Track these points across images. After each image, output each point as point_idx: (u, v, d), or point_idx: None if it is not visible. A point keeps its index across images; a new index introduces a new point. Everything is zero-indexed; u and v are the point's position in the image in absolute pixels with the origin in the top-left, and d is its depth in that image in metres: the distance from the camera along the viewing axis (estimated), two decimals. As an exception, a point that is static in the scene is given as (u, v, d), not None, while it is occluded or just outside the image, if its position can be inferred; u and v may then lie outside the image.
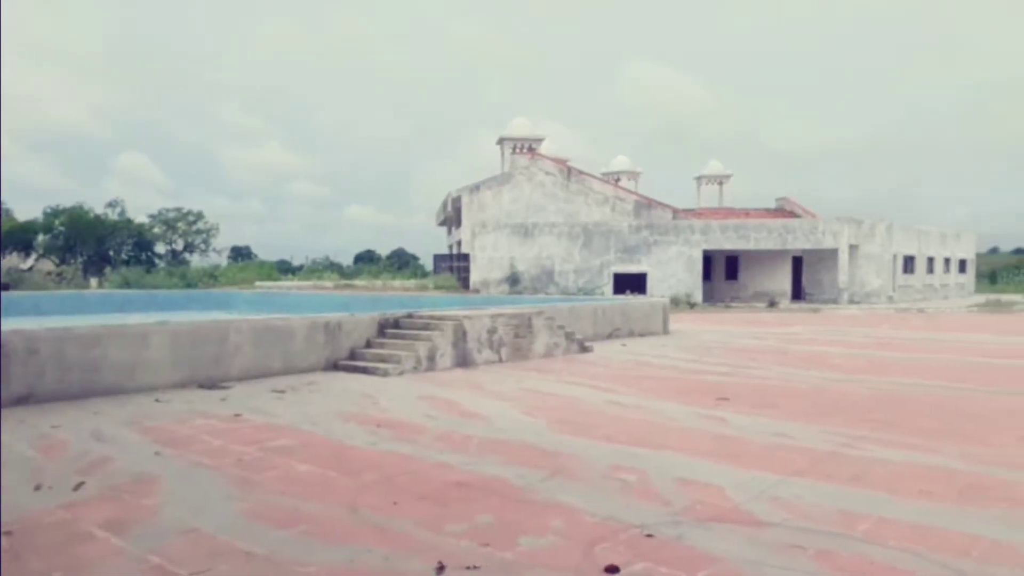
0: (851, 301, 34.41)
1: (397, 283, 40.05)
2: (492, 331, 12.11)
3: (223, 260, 65.87)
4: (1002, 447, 6.30)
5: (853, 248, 34.85)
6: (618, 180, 49.61)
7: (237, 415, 7.47)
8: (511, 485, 5.05)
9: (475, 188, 41.31)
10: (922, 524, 4.29)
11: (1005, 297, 39.94)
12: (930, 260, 40.70)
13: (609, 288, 34.53)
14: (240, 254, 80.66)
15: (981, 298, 39.33)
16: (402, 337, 11.63)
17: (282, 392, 8.91)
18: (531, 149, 44.34)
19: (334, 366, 10.94)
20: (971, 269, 46.87)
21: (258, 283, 39.68)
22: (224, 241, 72.19)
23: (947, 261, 42.70)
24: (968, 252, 45.90)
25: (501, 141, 45.90)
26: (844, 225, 34.40)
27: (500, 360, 12.14)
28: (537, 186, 41.07)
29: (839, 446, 6.28)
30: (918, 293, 39.08)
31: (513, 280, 35.47)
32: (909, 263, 38.73)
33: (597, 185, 41.99)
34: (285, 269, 63.04)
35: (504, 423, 7.21)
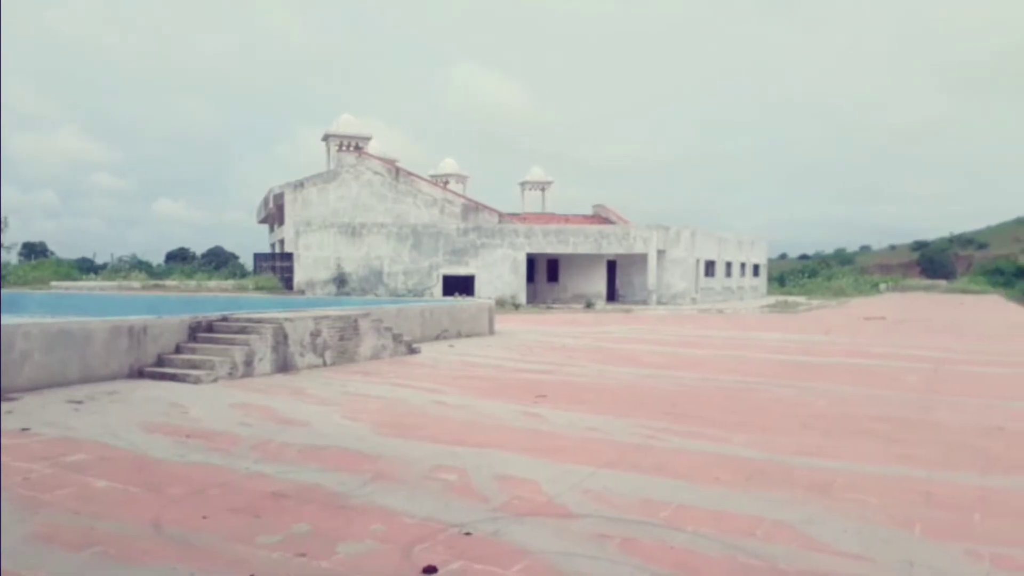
0: (659, 302, 36.80)
1: (213, 284, 37.91)
2: (316, 334, 11.80)
3: (13, 258, 59.37)
4: (784, 435, 7.03)
5: (661, 253, 37.31)
6: (446, 183, 49.96)
7: (25, 429, 6.77)
8: (330, 492, 4.97)
9: (299, 185, 39.95)
10: (715, 509, 4.71)
11: (792, 298, 44.56)
12: (728, 264, 44.40)
13: (438, 290, 34.68)
14: (34, 251, 73.06)
15: (772, 299, 43.54)
16: (216, 341, 11.04)
17: (79, 402, 8.19)
18: (358, 147, 43.57)
19: (139, 373, 10.20)
20: (763, 273, 51.63)
21: (54, 283, 36.23)
22: (14, 236, 65.06)
23: (743, 266, 46.77)
24: (761, 258, 50.53)
25: (327, 138, 44.71)
26: (653, 231, 36.71)
27: (324, 364, 11.85)
28: (365, 185, 40.42)
29: (644, 438, 6.73)
30: (718, 295, 42.49)
31: (340, 281, 34.68)
32: (710, 267, 42.02)
33: (426, 187, 41.98)
34: (86, 268, 57.74)
35: (325, 429, 7.07)
